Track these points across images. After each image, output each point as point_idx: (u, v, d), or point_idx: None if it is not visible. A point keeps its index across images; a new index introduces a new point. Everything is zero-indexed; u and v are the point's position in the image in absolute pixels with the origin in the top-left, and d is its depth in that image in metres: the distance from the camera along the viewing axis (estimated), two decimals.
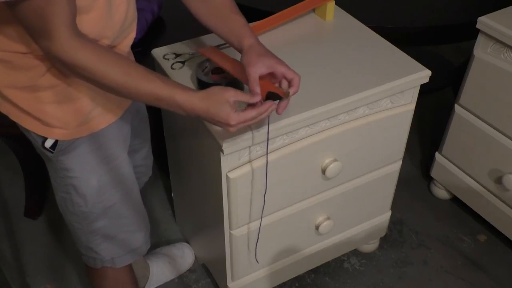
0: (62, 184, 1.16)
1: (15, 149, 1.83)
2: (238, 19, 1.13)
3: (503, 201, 1.73)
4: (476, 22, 1.57)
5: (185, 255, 1.77)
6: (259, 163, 1.23)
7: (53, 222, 1.95)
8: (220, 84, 1.13)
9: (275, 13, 1.47)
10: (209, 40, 1.42)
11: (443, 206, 2.01)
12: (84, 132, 1.08)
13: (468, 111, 1.72)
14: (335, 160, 1.34)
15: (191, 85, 1.27)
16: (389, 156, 1.50)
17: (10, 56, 0.98)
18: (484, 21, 1.55)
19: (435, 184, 2.00)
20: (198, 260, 1.79)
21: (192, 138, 1.35)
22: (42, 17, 0.85)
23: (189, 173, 1.51)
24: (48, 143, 1.07)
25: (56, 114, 1.04)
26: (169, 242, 1.85)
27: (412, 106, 1.41)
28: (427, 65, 1.36)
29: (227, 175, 1.22)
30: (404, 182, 1.96)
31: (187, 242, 1.83)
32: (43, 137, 1.07)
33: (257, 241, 1.38)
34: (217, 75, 1.24)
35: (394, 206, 1.73)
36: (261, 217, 1.34)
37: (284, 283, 1.71)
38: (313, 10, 1.56)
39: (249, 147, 1.20)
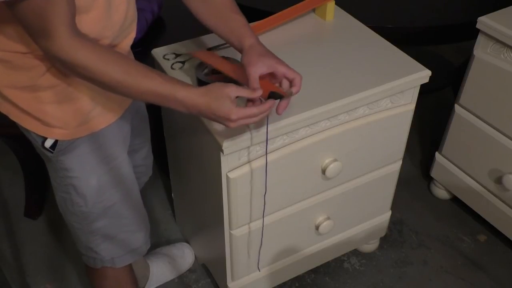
0: (62, 184, 1.16)
1: (15, 149, 1.83)
2: (238, 19, 1.13)
3: (503, 201, 1.73)
4: (476, 22, 1.57)
5: (185, 255, 1.77)
6: (259, 163, 1.23)
7: (53, 222, 1.95)
8: None
9: (275, 13, 1.47)
10: (209, 40, 1.42)
11: (443, 206, 2.01)
12: (84, 132, 1.08)
13: (468, 111, 1.72)
14: (335, 160, 1.34)
15: None
16: (389, 156, 1.50)
17: (10, 56, 0.98)
18: (484, 21, 1.55)
19: (435, 184, 2.00)
20: (198, 260, 1.79)
21: (192, 138, 1.35)
22: (41, 17, 0.85)
23: (189, 173, 1.51)
24: (48, 143, 1.07)
25: (56, 114, 1.04)
26: (169, 242, 1.85)
27: (412, 106, 1.41)
28: (427, 65, 1.36)
29: (227, 175, 1.22)
30: (404, 182, 1.96)
31: (187, 242, 1.83)
32: (43, 137, 1.07)
33: (260, 247, 1.39)
34: (217, 75, 1.23)
35: (394, 206, 1.73)
36: (263, 222, 1.34)
37: (284, 283, 1.71)
38: (313, 10, 1.56)
39: (249, 147, 1.20)
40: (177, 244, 1.81)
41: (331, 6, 1.50)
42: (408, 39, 1.82)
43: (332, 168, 1.34)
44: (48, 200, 2.01)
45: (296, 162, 1.30)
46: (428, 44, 2.45)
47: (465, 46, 2.05)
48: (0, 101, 1.06)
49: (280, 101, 1.06)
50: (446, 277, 1.77)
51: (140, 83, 0.95)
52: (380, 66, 1.35)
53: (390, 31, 1.72)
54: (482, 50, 1.60)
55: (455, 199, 1.96)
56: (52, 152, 1.08)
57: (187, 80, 1.29)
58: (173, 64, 1.34)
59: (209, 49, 1.40)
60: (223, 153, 1.16)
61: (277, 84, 1.09)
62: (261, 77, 1.05)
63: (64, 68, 0.95)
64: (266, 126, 1.13)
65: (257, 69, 1.04)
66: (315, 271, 1.77)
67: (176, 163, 1.62)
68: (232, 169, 1.23)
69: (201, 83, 1.22)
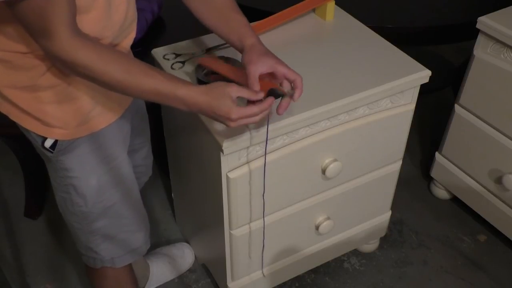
0: (62, 184, 1.15)
1: (15, 149, 1.83)
2: (239, 19, 1.13)
3: (503, 201, 1.73)
4: (476, 22, 1.57)
5: (185, 255, 1.77)
6: (259, 163, 1.23)
7: (53, 222, 1.95)
8: None
9: (275, 13, 1.47)
10: (209, 40, 1.42)
11: (443, 206, 2.01)
12: (84, 132, 1.08)
13: (468, 111, 1.72)
14: (335, 160, 1.34)
15: None
16: (389, 156, 1.50)
17: (10, 56, 0.98)
18: (484, 21, 1.55)
19: (435, 184, 2.00)
20: (198, 260, 1.79)
21: (192, 138, 1.35)
22: (41, 17, 0.85)
23: (189, 173, 1.51)
24: (48, 143, 1.07)
25: (56, 114, 1.04)
26: (169, 242, 1.85)
27: (412, 106, 1.41)
28: (427, 65, 1.36)
29: (227, 175, 1.22)
30: (404, 182, 1.96)
31: (187, 242, 1.83)
32: (43, 137, 1.07)
33: (263, 250, 1.38)
34: (216, 75, 1.23)
35: (394, 206, 1.73)
36: (264, 223, 1.34)
37: (284, 283, 1.71)
38: (313, 10, 1.56)
39: (249, 147, 1.20)
40: (177, 244, 1.81)
41: (331, 6, 1.50)
42: (408, 39, 1.82)
43: (332, 168, 1.34)
44: (48, 200, 2.01)
45: (296, 162, 1.30)
46: (428, 44, 2.45)
47: (465, 46, 2.05)
48: (0, 101, 1.06)
49: (281, 99, 1.06)
50: (446, 277, 1.77)
51: (141, 81, 0.95)
52: (380, 66, 1.35)
53: (390, 31, 1.72)
54: (482, 50, 1.60)
55: (455, 199, 1.96)
56: (52, 152, 1.08)
57: (187, 80, 1.29)
58: (173, 64, 1.34)
59: (209, 49, 1.40)
60: (223, 153, 1.16)
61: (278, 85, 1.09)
62: (261, 77, 1.05)
63: (65, 68, 0.95)
64: (266, 126, 1.13)
65: (258, 68, 1.03)
66: (315, 271, 1.77)
67: (176, 163, 1.62)
68: (232, 169, 1.22)
69: (201, 83, 1.22)
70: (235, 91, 0.98)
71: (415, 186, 2.08)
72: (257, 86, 1.03)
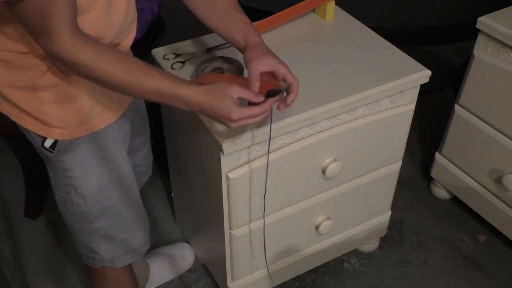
0: (62, 184, 1.15)
1: (15, 149, 1.83)
2: (243, 18, 1.13)
3: (503, 201, 1.73)
4: (476, 22, 1.57)
5: (185, 255, 1.77)
6: (259, 163, 1.23)
7: (53, 222, 1.95)
8: None
9: (275, 13, 1.47)
10: (209, 40, 1.42)
11: (443, 206, 2.01)
12: (84, 132, 1.08)
13: (468, 111, 1.72)
14: (335, 160, 1.34)
15: None
16: (389, 156, 1.50)
17: (10, 56, 0.98)
18: (484, 21, 1.55)
19: (435, 184, 2.00)
20: (198, 260, 1.79)
21: (192, 137, 1.35)
22: (42, 17, 0.85)
23: (189, 173, 1.51)
24: (48, 143, 1.07)
25: (56, 114, 1.04)
26: (169, 242, 1.85)
27: (412, 106, 1.41)
28: (427, 65, 1.36)
29: (227, 175, 1.22)
30: (404, 182, 1.96)
31: (187, 242, 1.83)
32: (43, 137, 1.07)
33: (265, 252, 1.38)
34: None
35: (394, 206, 1.73)
36: (264, 223, 1.34)
37: (284, 283, 1.71)
38: (313, 10, 1.56)
39: (249, 147, 1.20)
40: (177, 244, 1.81)
41: (331, 6, 1.50)
42: (408, 39, 1.82)
43: (332, 168, 1.34)
44: (48, 200, 2.01)
45: (296, 162, 1.30)
46: (428, 44, 2.45)
47: (465, 46, 2.05)
48: (0, 101, 1.06)
49: (286, 96, 1.05)
50: (446, 277, 1.77)
51: (142, 81, 0.95)
52: (380, 66, 1.35)
53: (390, 31, 1.72)
54: (482, 50, 1.60)
55: (455, 199, 1.96)
56: (52, 152, 1.08)
57: (187, 80, 1.29)
58: (173, 64, 1.34)
59: (209, 49, 1.40)
60: (223, 153, 1.16)
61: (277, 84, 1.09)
62: (261, 76, 1.05)
63: (66, 68, 0.94)
64: (266, 126, 1.13)
65: (260, 65, 1.04)
66: (315, 271, 1.77)
67: (176, 163, 1.62)
68: (232, 169, 1.22)
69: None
70: (236, 91, 0.98)
71: (415, 186, 2.08)
72: (257, 83, 1.03)
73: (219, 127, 1.15)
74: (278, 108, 1.07)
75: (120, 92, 0.98)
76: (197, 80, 1.21)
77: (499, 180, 1.69)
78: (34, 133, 1.07)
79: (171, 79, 0.97)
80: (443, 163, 1.88)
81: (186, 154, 1.46)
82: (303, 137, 1.27)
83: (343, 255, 1.81)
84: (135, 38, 1.12)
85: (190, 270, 1.78)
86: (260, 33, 1.42)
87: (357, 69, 1.34)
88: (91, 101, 1.06)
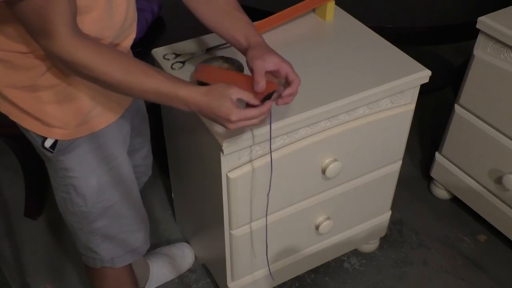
0: (62, 184, 1.15)
1: (15, 149, 1.83)
2: (244, 18, 1.14)
3: (503, 201, 1.73)
4: (476, 22, 1.57)
5: (185, 255, 1.77)
6: (259, 163, 1.23)
7: (53, 222, 1.95)
8: None
9: (275, 13, 1.47)
10: (209, 40, 1.42)
11: (443, 206, 2.01)
12: (84, 132, 1.08)
13: (468, 111, 1.72)
14: (335, 160, 1.34)
15: None
16: (389, 156, 1.50)
17: (10, 56, 0.98)
18: (484, 21, 1.55)
19: (435, 184, 2.00)
20: (198, 260, 1.79)
21: (192, 138, 1.35)
22: (42, 17, 0.85)
23: (189, 173, 1.51)
24: (48, 143, 1.07)
25: (56, 114, 1.04)
26: (169, 242, 1.85)
27: (412, 106, 1.41)
28: (427, 65, 1.36)
29: (227, 175, 1.22)
30: (404, 182, 1.96)
31: (187, 242, 1.83)
32: (43, 137, 1.07)
33: (267, 253, 1.38)
34: None
35: (394, 206, 1.73)
36: (266, 222, 1.34)
37: (284, 283, 1.71)
38: (313, 10, 1.56)
39: (249, 147, 1.20)
40: (177, 244, 1.81)
41: (331, 6, 1.50)
42: (408, 39, 1.82)
43: (332, 168, 1.34)
44: (48, 200, 2.01)
45: (296, 162, 1.30)
46: (428, 44, 2.45)
47: (465, 46, 2.05)
48: (0, 101, 1.06)
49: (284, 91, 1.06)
50: (446, 277, 1.77)
51: (141, 81, 0.95)
52: (380, 66, 1.35)
53: (390, 31, 1.72)
54: (482, 50, 1.60)
55: (455, 199, 1.96)
56: (52, 152, 1.08)
57: (187, 80, 1.29)
58: (173, 64, 1.34)
59: (209, 49, 1.40)
60: (223, 153, 1.16)
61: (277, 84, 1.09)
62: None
63: (65, 68, 0.94)
64: (266, 126, 1.13)
65: (265, 64, 1.04)
66: (315, 271, 1.77)
67: (176, 163, 1.62)
68: (232, 169, 1.22)
69: (201, 84, 1.22)
70: (236, 93, 0.98)
71: (415, 186, 2.08)
72: (263, 82, 1.03)
73: (219, 127, 1.15)
74: (276, 103, 1.06)
75: (120, 93, 0.98)
76: (194, 73, 1.21)
77: (499, 180, 1.69)
78: (34, 133, 1.07)
79: (171, 80, 0.97)
80: (443, 163, 1.88)
81: (186, 154, 1.46)
82: (303, 137, 1.27)
83: (343, 255, 1.81)
84: (135, 38, 1.12)
85: (190, 270, 1.78)
86: (260, 33, 1.42)
87: (357, 69, 1.34)
88: (91, 101, 1.06)
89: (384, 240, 1.87)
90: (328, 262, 1.76)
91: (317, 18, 1.54)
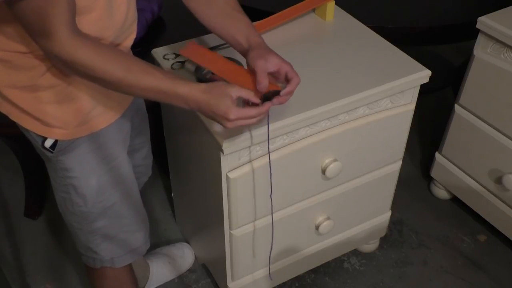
0: (62, 184, 1.15)
1: (15, 149, 1.83)
2: (243, 19, 1.14)
3: (503, 201, 1.73)
4: (476, 22, 1.57)
5: (185, 255, 1.77)
6: (259, 163, 1.23)
7: (53, 222, 1.95)
8: None
9: (275, 13, 1.47)
10: (209, 40, 1.42)
11: (443, 206, 2.01)
12: (84, 132, 1.08)
13: (468, 111, 1.72)
14: (335, 160, 1.34)
15: None
16: (389, 156, 1.50)
17: (10, 56, 0.98)
18: (484, 21, 1.55)
19: (435, 184, 2.00)
20: (198, 260, 1.79)
21: (192, 137, 1.35)
22: (41, 16, 0.85)
23: (189, 173, 1.51)
24: (48, 143, 1.07)
25: (56, 114, 1.04)
26: (169, 242, 1.85)
27: (412, 106, 1.41)
28: (427, 65, 1.36)
29: (227, 175, 1.22)
30: (404, 182, 1.96)
31: (187, 242, 1.83)
32: (43, 137, 1.07)
33: (271, 249, 1.38)
34: (217, 75, 1.23)
35: (394, 206, 1.73)
36: (272, 222, 1.34)
37: (284, 283, 1.71)
38: (313, 10, 1.56)
39: (249, 147, 1.20)
40: (177, 244, 1.81)
41: (331, 6, 1.50)
42: (408, 39, 1.82)
43: (332, 168, 1.34)
44: (48, 200, 2.01)
45: (296, 162, 1.29)
46: (428, 44, 2.45)
47: (465, 46, 2.05)
48: (0, 101, 1.06)
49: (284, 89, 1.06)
50: (446, 277, 1.77)
51: (141, 80, 0.96)
52: (380, 66, 1.35)
53: (390, 31, 1.72)
54: (482, 50, 1.60)
55: (455, 199, 1.96)
56: (52, 152, 1.08)
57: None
58: (173, 64, 1.34)
59: (210, 49, 1.39)
60: (223, 153, 1.16)
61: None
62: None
63: (65, 68, 0.95)
64: (266, 126, 1.13)
65: (268, 64, 1.04)
66: (315, 271, 1.77)
67: (176, 163, 1.62)
68: (232, 169, 1.22)
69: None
70: (236, 91, 0.98)
71: (415, 186, 2.08)
72: (266, 81, 1.03)
73: (219, 127, 1.15)
74: (273, 102, 1.06)
75: (120, 91, 0.98)
76: (182, 51, 1.21)
77: (499, 180, 1.69)
78: (34, 133, 1.07)
79: (170, 77, 0.98)
80: (443, 163, 1.88)
81: (186, 154, 1.46)
82: (303, 137, 1.27)
83: (343, 255, 1.81)
84: (135, 38, 1.12)
85: (190, 270, 1.78)
86: (260, 33, 1.42)
87: (357, 69, 1.34)
88: (91, 101, 1.06)
89: (384, 240, 1.87)
90: (328, 262, 1.76)
91: (317, 18, 1.54)
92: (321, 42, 1.45)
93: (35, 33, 0.89)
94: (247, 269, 1.49)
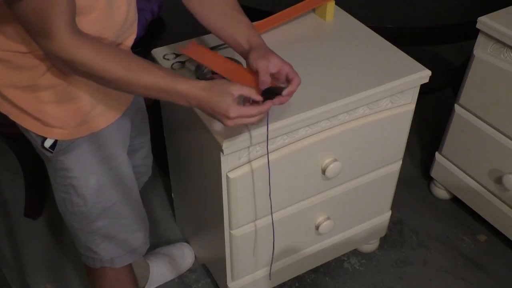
0: (62, 184, 1.15)
1: (15, 149, 1.83)
2: (244, 19, 1.14)
3: (503, 201, 1.73)
4: (476, 22, 1.57)
5: (185, 255, 1.77)
6: (259, 163, 1.23)
7: (53, 222, 1.95)
8: None
9: (275, 13, 1.47)
10: (210, 40, 1.42)
11: (443, 206, 2.01)
12: (83, 132, 1.08)
13: (468, 111, 1.72)
14: (335, 160, 1.34)
15: None
16: (389, 156, 1.50)
17: (10, 56, 0.98)
18: (484, 21, 1.55)
19: (435, 184, 2.00)
20: (198, 260, 1.79)
21: (192, 137, 1.35)
22: (41, 16, 0.85)
23: (189, 173, 1.51)
24: (48, 143, 1.07)
25: (56, 114, 1.04)
26: (169, 242, 1.85)
27: (412, 106, 1.41)
28: (427, 65, 1.36)
29: (227, 175, 1.22)
30: (404, 182, 1.96)
31: (187, 242, 1.83)
32: (43, 137, 1.07)
33: (272, 256, 1.38)
34: (217, 75, 1.23)
35: (394, 206, 1.73)
36: (273, 226, 1.34)
37: (284, 283, 1.71)
38: (313, 10, 1.56)
39: (249, 147, 1.20)
40: (177, 244, 1.81)
41: (331, 6, 1.50)
42: (408, 39, 1.82)
43: (332, 168, 1.34)
44: (48, 200, 2.01)
45: (296, 162, 1.29)
46: (428, 44, 2.45)
47: (465, 46, 2.05)
48: (0, 101, 1.06)
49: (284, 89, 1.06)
50: (446, 277, 1.77)
51: (141, 78, 0.95)
52: (380, 66, 1.35)
53: (390, 31, 1.72)
54: (482, 50, 1.60)
55: (455, 199, 1.96)
56: (51, 152, 1.08)
57: None
58: (173, 64, 1.34)
59: (210, 49, 1.39)
60: (223, 153, 1.16)
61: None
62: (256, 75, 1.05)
63: (65, 67, 0.94)
64: (266, 126, 1.13)
65: (270, 65, 1.04)
66: (315, 271, 1.77)
67: (176, 163, 1.61)
68: (232, 169, 1.22)
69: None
70: (237, 89, 0.98)
71: (415, 186, 2.08)
72: (268, 81, 1.03)
73: (219, 127, 1.15)
74: (273, 102, 1.06)
75: (120, 90, 0.98)
76: (183, 50, 1.21)
77: (499, 180, 1.69)
78: (34, 133, 1.07)
79: (170, 75, 0.98)
80: (443, 163, 1.88)
81: (186, 154, 1.46)
82: (303, 137, 1.27)
83: (343, 255, 1.81)
84: (135, 38, 1.12)
85: (190, 270, 1.78)
86: (260, 33, 1.42)
87: (357, 69, 1.34)
88: (91, 102, 1.06)
89: (384, 240, 1.87)
90: (328, 262, 1.76)
91: (317, 18, 1.54)
92: (321, 42, 1.45)
93: (35, 33, 0.89)
94: (247, 269, 1.49)
